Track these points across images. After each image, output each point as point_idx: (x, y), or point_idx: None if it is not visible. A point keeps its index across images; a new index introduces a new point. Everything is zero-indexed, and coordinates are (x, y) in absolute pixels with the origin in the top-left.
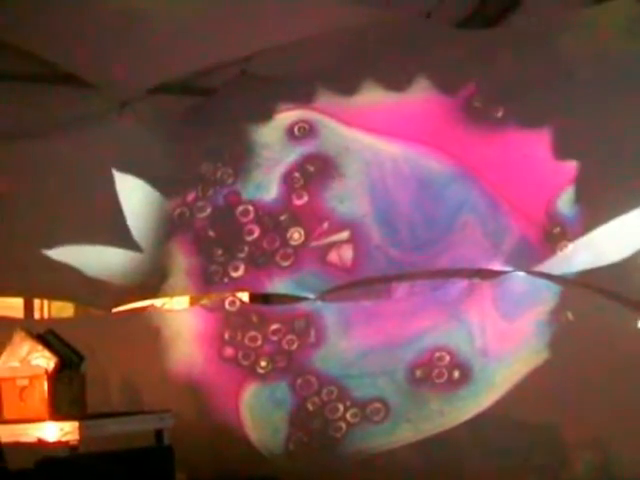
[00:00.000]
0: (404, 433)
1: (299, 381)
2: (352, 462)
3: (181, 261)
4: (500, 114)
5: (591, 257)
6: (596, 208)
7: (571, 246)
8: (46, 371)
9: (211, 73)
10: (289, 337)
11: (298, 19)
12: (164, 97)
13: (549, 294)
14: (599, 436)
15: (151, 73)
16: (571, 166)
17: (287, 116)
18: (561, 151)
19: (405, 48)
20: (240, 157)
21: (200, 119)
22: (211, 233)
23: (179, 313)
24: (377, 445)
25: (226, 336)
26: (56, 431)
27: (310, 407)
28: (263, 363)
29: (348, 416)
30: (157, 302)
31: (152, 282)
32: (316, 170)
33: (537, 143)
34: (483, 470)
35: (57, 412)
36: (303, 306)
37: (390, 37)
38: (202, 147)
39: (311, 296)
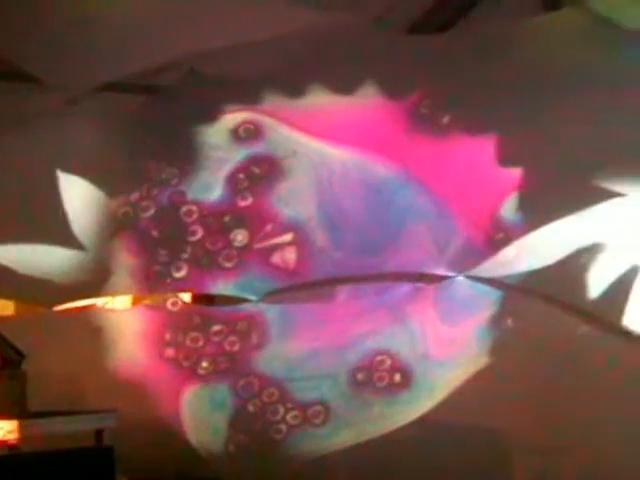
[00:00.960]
0: (345, 436)
1: (240, 383)
2: (292, 464)
3: (124, 260)
4: (446, 120)
5: (533, 262)
6: (539, 214)
7: (514, 251)
8: None
9: (159, 72)
10: (231, 338)
11: (247, 20)
12: (112, 95)
13: (491, 299)
14: (538, 442)
15: (99, 71)
16: (515, 173)
17: (233, 117)
18: (506, 158)
19: (354, 53)
20: (186, 157)
21: (146, 118)
22: (155, 233)
23: (121, 313)
24: (318, 448)
25: (167, 337)
26: None
27: (251, 409)
28: (204, 364)
29: (289, 418)
30: (99, 301)
31: (95, 281)
32: (261, 172)
33: (482, 150)
34: (424, 474)
35: None
36: (246, 308)
37: (339, 41)
38: (148, 146)
39: (254, 298)
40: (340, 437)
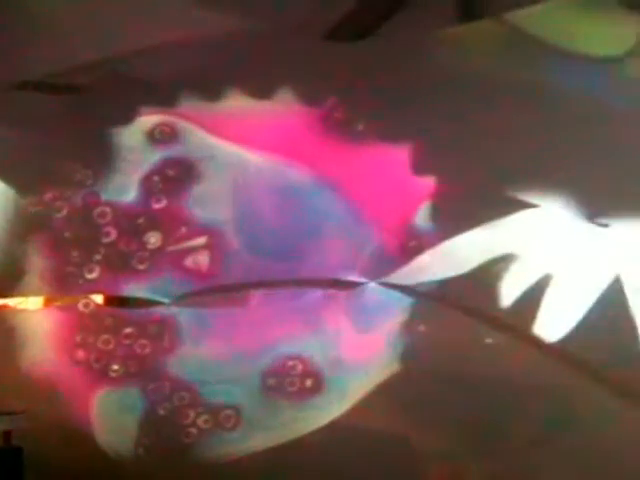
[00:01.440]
0: (256, 440)
1: (151, 386)
2: (202, 468)
3: (37, 261)
4: (361, 127)
5: (446, 271)
6: (452, 223)
7: (427, 259)
8: None
9: (77, 72)
10: (142, 341)
11: (167, 23)
12: (27, 94)
13: (403, 306)
14: (446, 447)
15: (15, 69)
16: (429, 181)
17: (149, 119)
18: (420, 166)
19: (271, 58)
20: (101, 158)
21: (62, 118)
22: (68, 234)
23: (33, 313)
24: (228, 452)
25: (79, 338)
26: None
27: (161, 412)
28: (115, 367)
29: (199, 422)
30: (11, 302)
31: (6, 281)
32: (176, 175)
33: (397, 158)
34: (333, 478)
35: None
36: (158, 311)
37: (257, 46)
38: (63, 146)
39: (166, 301)
40: (251, 441)
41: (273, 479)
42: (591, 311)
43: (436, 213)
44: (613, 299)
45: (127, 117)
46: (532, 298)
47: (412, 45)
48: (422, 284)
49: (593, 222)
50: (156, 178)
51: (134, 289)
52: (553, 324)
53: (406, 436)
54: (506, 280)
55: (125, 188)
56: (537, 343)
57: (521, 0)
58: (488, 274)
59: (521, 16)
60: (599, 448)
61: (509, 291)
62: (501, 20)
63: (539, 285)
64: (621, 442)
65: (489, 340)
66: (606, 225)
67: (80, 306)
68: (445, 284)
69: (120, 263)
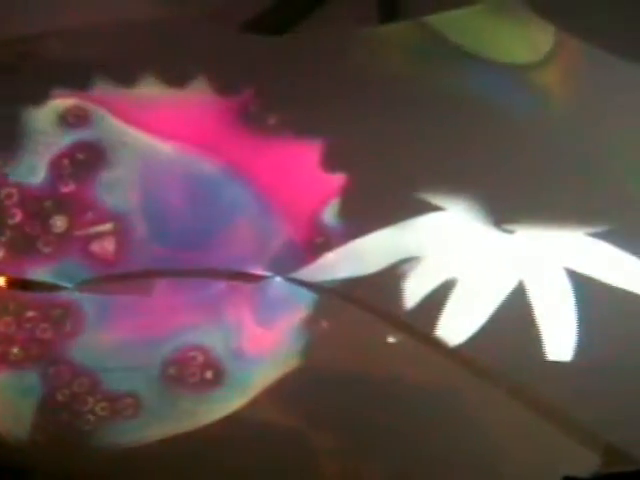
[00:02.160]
0: (155, 430)
1: (51, 371)
2: (100, 455)
3: None
4: (273, 121)
5: (352, 268)
6: (361, 222)
7: (332, 256)
8: None
9: None
10: (44, 325)
11: (84, 4)
12: None
13: (307, 301)
14: (345, 445)
15: None
16: (339, 179)
17: (62, 102)
18: (331, 163)
19: (188, 47)
20: (10, 139)
21: None
22: None
23: None
24: (127, 440)
25: None
26: None
27: (60, 398)
28: (15, 350)
29: (98, 409)
30: None
31: None
32: (86, 159)
33: (308, 153)
34: (230, 471)
35: None
36: (61, 295)
37: (174, 34)
38: None
39: (71, 286)
40: (150, 430)
41: (168, 469)
42: (494, 316)
43: (344, 211)
44: (516, 305)
45: (39, 99)
46: (436, 301)
47: (330, 43)
48: (327, 281)
49: (498, 228)
50: (66, 161)
51: (38, 272)
52: (455, 327)
53: (302, 432)
54: (411, 281)
55: (34, 170)
56: (438, 345)
57: (441, 4)
58: (393, 274)
59: (439, 20)
60: (491, 449)
61: (413, 292)
62: (419, 23)
63: (443, 288)
64: (513, 445)
65: (390, 340)
66: (511, 231)
67: None
68: (350, 282)
69: (25, 246)
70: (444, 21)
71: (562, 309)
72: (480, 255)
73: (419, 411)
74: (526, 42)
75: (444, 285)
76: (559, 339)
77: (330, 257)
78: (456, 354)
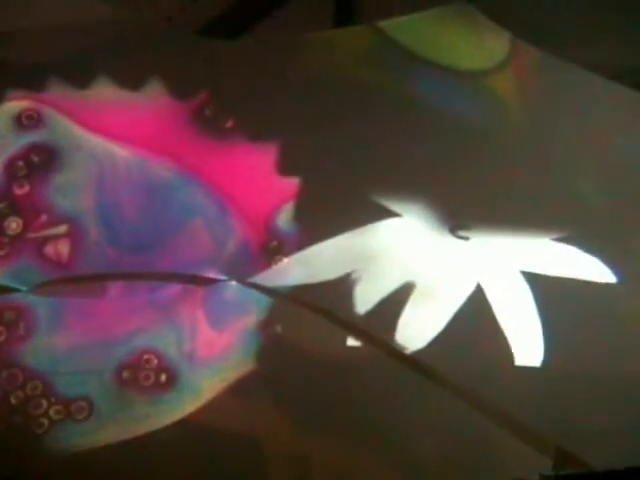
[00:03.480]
0: (108, 433)
1: (4, 374)
2: (53, 459)
3: None
4: (229, 125)
5: (304, 273)
6: (315, 226)
7: (286, 261)
8: None
9: None
10: None
11: (40, 5)
12: None
13: (260, 306)
14: (295, 448)
15: None
16: (294, 183)
17: (17, 104)
18: (285, 167)
19: (142, 48)
20: None
21: None
22: None
23: None
24: (80, 443)
25: None
26: None
27: (13, 401)
28: None
29: (51, 413)
30: None
31: None
32: (41, 161)
33: (263, 156)
34: (183, 476)
35: None
36: (15, 298)
37: (129, 36)
38: None
39: (24, 288)
40: (104, 434)
41: (121, 473)
42: (452, 323)
43: (298, 215)
44: (473, 312)
45: None
46: (392, 307)
47: (284, 47)
48: (281, 285)
49: (453, 234)
50: (20, 163)
51: None
52: (412, 333)
53: (255, 436)
54: (367, 287)
55: None
56: (393, 351)
57: (397, 9)
58: (349, 280)
59: (393, 25)
60: (444, 454)
61: (369, 298)
62: (374, 27)
63: (398, 293)
64: (464, 447)
65: (345, 345)
66: (466, 238)
67: None
68: (304, 286)
69: None
70: (398, 26)
71: (521, 312)
72: (436, 262)
73: (374, 414)
74: (481, 48)
75: (398, 290)
76: (519, 343)
77: (285, 262)
78: (411, 359)
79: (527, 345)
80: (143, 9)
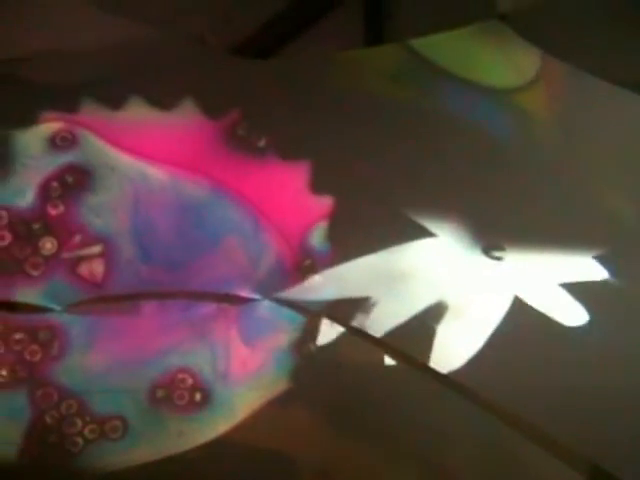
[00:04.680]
0: (143, 452)
1: (39, 393)
2: (87, 477)
3: None
4: (262, 143)
5: (340, 292)
6: (348, 245)
7: (319, 279)
8: None
9: None
10: (32, 347)
11: (71, 26)
12: None
13: (294, 324)
14: (329, 467)
15: None
16: (327, 202)
17: (51, 125)
18: (318, 186)
19: (174, 68)
20: None
21: None
22: None
23: None
24: (114, 462)
25: None
26: None
27: (48, 420)
28: (3, 372)
29: (86, 432)
30: None
31: None
32: (75, 182)
33: (296, 175)
34: None
35: None
36: (49, 317)
37: (161, 56)
38: None
39: (58, 308)
40: (138, 453)
41: None
42: (486, 344)
43: (332, 234)
44: (508, 333)
45: (27, 121)
46: (424, 326)
47: (316, 66)
48: (314, 303)
49: (487, 255)
50: (55, 184)
51: (27, 294)
52: (447, 354)
53: (289, 454)
54: (401, 305)
55: (22, 192)
56: (426, 370)
57: (427, 28)
58: (380, 298)
59: (424, 43)
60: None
61: (402, 317)
62: (405, 45)
63: (432, 313)
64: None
65: (377, 363)
66: (500, 258)
67: None
68: (337, 305)
69: (13, 268)
70: (429, 44)
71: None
72: (471, 282)
73: (408, 431)
74: (513, 66)
75: (431, 310)
76: (560, 359)
77: (316, 279)
78: (446, 378)
79: (565, 360)
80: (176, 29)
